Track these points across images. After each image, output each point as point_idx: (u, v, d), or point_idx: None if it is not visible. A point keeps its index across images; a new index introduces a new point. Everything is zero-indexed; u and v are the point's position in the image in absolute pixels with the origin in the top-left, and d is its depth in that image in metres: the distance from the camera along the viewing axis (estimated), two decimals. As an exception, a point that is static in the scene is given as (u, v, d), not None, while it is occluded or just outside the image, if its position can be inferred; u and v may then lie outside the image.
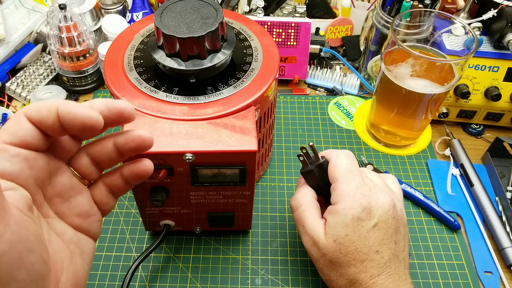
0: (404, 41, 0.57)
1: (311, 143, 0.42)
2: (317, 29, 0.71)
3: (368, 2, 0.80)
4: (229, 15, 0.52)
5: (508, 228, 0.51)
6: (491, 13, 0.57)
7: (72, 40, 0.63)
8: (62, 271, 0.27)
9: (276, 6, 0.73)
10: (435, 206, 0.53)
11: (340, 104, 0.68)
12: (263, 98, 0.43)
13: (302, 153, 0.42)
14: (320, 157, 0.43)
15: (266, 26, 0.66)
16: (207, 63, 0.41)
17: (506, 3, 0.56)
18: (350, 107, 0.67)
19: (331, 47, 0.74)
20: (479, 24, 0.58)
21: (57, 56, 0.65)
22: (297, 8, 0.74)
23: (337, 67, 0.74)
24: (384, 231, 0.39)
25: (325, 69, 0.71)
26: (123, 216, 0.53)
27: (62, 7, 0.61)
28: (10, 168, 0.24)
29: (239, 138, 0.38)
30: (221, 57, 0.42)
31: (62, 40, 0.63)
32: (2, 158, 0.24)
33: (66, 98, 0.66)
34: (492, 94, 0.59)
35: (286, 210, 0.54)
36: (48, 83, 0.69)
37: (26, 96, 0.66)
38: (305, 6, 0.74)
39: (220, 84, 0.43)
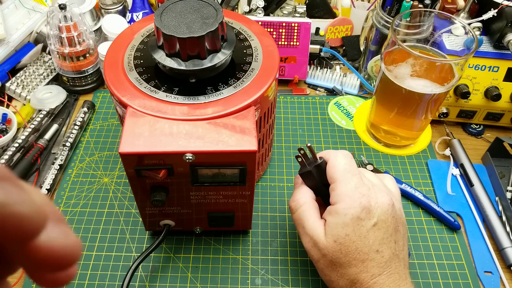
0: (404, 41, 0.57)
1: (309, 144, 0.42)
2: (317, 29, 0.71)
3: (368, 2, 0.80)
4: (229, 15, 0.52)
5: (508, 228, 0.51)
6: (491, 13, 0.57)
7: (72, 40, 0.63)
8: None
9: (276, 6, 0.73)
10: (435, 206, 0.53)
11: (340, 104, 0.68)
12: (263, 98, 0.43)
13: (300, 154, 0.42)
14: (318, 158, 0.43)
15: (266, 26, 0.66)
16: (207, 63, 0.41)
17: (506, 3, 0.56)
18: (350, 107, 0.67)
19: (331, 47, 0.74)
20: (479, 24, 0.58)
21: (57, 56, 0.65)
22: (297, 8, 0.74)
23: (337, 67, 0.74)
24: (383, 230, 0.39)
25: (325, 69, 0.71)
26: (123, 216, 0.53)
27: (62, 7, 0.61)
28: None
29: (239, 138, 0.38)
30: (221, 57, 0.42)
31: (62, 40, 0.63)
32: None
33: (66, 98, 0.66)
34: (492, 94, 0.59)
35: (286, 210, 0.54)
36: (48, 83, 0.69)
37: (26, 96, 0.66)
38: (305, 6, 0.74)
39: (220, 84, 0.43)
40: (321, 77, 0.71)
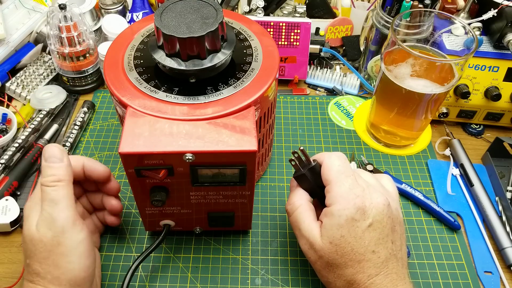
0: (404, 41, 0.57)
1: (301, 147, 0.42)
2: (317, 29, 0.71)
3: (368, 2, 0.80)
4: (229, 15, 0.52)
5: (508, 228, 0.51)
6: (491, 13, 0.57)
7: (72, 40, 0.63)
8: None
9: (276, 6, 0.73)
10: (435, 206, 0.53)
11: (340, 104, 0.68)
12: (263, 98, 0.43)
13: (294, 158, 0.42)
14: (312, 161, 0.43)
15: (266, 26, 0.66)
16: (207, 63, 0.41)
17: (506, 3, 0.56)
18: (350, 107, 0.67)
19: (331, 47, 0.74)
20: (479, 24, 0.58)
21: (57, 56, 0.65)
22: (297, 8, 0.74)
23: (337, 67, 0.74)
24: (379, 231, 0.39)
25: (325, 69, 0.71)
26: (123, 216, 0.53)
27: (62, 7, 0.61)
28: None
29: (239, 138, 0.38)
30: (221, 57, 0.42)
31: (62, 40, 0.63)
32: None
33: (66, 98, 0.66)
34: (492, 94, 0.59)
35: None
36: (48, 83, 0.69)
37: (26, 96, 0.66)
38: (305, 6, 0.74)
39: (220, 84, 0.43)
40: (321, 77, 0.71)
